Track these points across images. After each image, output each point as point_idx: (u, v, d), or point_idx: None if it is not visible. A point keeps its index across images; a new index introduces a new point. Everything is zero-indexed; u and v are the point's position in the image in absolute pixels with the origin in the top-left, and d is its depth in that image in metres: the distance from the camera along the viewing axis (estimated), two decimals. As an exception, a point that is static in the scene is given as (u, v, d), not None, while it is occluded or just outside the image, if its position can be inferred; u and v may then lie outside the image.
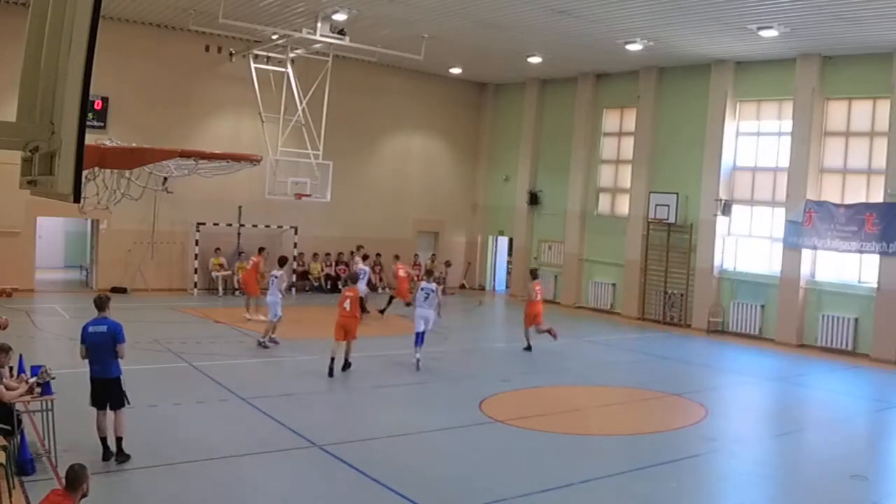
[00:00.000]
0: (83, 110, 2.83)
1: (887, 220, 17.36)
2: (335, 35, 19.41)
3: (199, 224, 22.38)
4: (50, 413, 8.42)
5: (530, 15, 17.43)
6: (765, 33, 17.06)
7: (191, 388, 12.01)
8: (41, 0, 3.03)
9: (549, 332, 16.57)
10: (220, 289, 22.70)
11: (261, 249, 20.16)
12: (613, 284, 23.74)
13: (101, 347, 8.48)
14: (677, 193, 21.50)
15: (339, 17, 18.63)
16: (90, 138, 4.41)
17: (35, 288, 20.68)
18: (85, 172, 8.15)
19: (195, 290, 22.44)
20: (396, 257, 22.93)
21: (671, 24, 17.39)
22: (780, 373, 16.22)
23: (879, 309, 17.66)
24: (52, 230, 25.11)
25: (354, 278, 15.34)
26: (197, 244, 22.53)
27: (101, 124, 20.06)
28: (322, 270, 24.90)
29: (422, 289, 14.89)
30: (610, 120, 24.54)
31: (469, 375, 14.30)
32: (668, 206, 21.59)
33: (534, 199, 26.15)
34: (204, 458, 8.80)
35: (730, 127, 20.86)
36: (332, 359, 13.31)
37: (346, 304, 13.72)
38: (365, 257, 22.14)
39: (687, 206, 21.53)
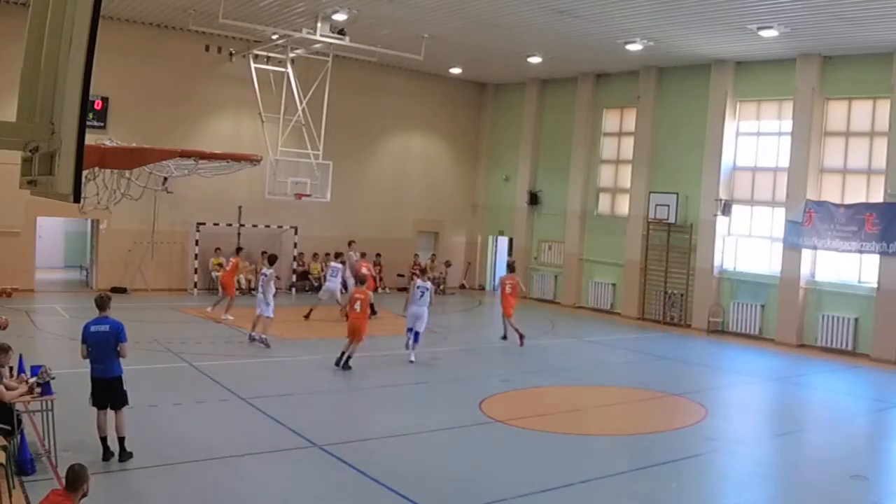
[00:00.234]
0: (83, 110, 2.83)
1: (887, 220, 17.36)
2: (335, 35, 19.41)
3: (199, 224, 22.38)
4: (50, 413, 8.41)
5: (530, 15, 17.43)
6: (765, 33, 17.06)
7: (191, 388, 12.01)
8: (41, 0, 3.03)
9: (517, 332, 16.80)
10: (220, 289, 22.64)
11: (238, 250, 20.17)
12: (613, 284, 23.73)
13: (103, 347, 8.48)
14: (677, 193, 21.50)
15: (339, 17, 18.62)
16: (90, 138, 4.41)
17: (35, 288, 20.66)
18: (85, 172, 8.15)
19: (195, 290, 22.44)
20: (363, 255, 21.85)
21: (671, 24, 17.39)
22: (780, 373, 16.21)
23: (879, 309, 17.66)
24: (52, 230, 25.10)
25: (363, 280, 15.35)
26: (197, 244, 22.53)
27: (101, 124, 20.05)
28: (322, 270, 24.85)
29: (417, 287, 15.04)
30: (610, 120, 24.53)
31: (469, 375, 14.31)
32: (668, 206, 21.59)
33: (534, 199, 26.14)
34: (204, 458, 8.80)
35: (730, 127, 20.85)
36: (343, 352, 13.71)
37: (357, 306, 13.86)
38: (363, 255, 21.92)
39: (687, 206, 21.52)
